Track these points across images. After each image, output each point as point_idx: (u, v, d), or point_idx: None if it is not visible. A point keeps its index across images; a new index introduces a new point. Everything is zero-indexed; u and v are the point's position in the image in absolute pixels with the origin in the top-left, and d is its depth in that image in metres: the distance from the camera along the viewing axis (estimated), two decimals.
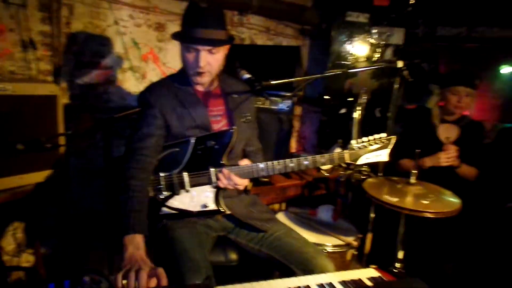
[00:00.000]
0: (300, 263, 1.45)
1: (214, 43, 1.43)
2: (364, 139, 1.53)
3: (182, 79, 1.58)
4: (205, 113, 1.55)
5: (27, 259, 2.26)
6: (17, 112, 1.63)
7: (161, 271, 1.09)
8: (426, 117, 2.43)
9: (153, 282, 1.07)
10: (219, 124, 1.60)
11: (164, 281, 1.06)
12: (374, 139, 1.54)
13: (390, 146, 1.55)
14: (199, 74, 1.48)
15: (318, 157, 1.51)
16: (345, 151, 1.53)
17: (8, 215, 2.09)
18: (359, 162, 1.54)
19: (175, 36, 1.49)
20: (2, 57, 2.00)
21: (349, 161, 1.53)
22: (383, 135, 1.54)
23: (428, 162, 2.24)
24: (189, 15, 1.45)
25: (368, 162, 1.56)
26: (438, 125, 2.38)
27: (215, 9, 1.45)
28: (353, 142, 1.53)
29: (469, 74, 2.33)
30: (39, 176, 1.74)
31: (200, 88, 1.59)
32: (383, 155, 1.55)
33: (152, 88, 1.55)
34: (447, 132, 2.38)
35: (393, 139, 1.55)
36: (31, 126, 1.67)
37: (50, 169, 1.77)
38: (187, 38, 1.43)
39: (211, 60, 1.47)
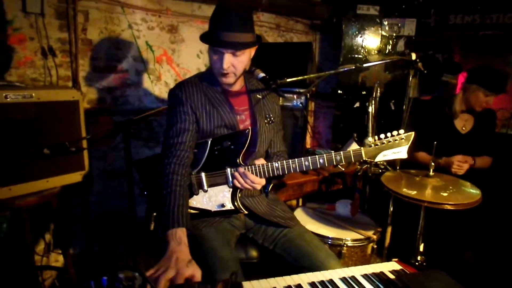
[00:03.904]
0: (310, 268, 1.42)
1: (237, 46, 1.45)
2: (382, 136, 1.49)
3: (209, 78, 1.61)
4: (232, 112, 1.58)
5: (56, 258, 2.35)
6: (42, 118, 1.68)
7: (197, 272, 1.12)
8: (442, 108, 2.41)
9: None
10: (244, 124, 1.62)
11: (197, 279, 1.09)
12: (392, 135, 1.48)
13: (409, 143, 1.48)
14: (224, 75, 1.52)
15: (334, 154, 1.48)
16: (362, 148, 1.48)
17: (37, 216, 2.17)
18: (377, 159, 1.49)
19: (202, 37, 1.52)
20: (24, 65, 2.07)
21: (365, 159, 1.49)
22: (401, 131, 1.48)
23: (442, 162, 2.24)
24: (215, 17, 1.47)
25: (386, 159, 1.50)
26: (459, 114, 2.36)
27: (242, 12, 1.46)
28: (370, 139, 1.49)
29: (504, 81, 2.24)
30: (64, 179, 1.80)
31: (227, 87, 1.61)
32: (402, 152, 1.49)
33: (182, 86, 1.58)
34: (463, 122, 2.36)
35: (411, 135, 1.48)
36: (55, 131, 1.73)
37: (74, 172, 1.83)
38: (212, 40, 1.46)
39: (235, 63, 1.49)
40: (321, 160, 1.49)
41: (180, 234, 1.27)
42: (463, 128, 2.35)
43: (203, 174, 1.53)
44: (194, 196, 1.55)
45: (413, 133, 1.49)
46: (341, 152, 1.48)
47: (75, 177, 1.85)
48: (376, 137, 1.49)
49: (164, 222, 1.31)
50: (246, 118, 1.63)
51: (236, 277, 1.05)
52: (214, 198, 1.55)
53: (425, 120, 2.44)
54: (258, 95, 1.66)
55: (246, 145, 1.53)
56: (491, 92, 2.22)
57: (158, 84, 2.69)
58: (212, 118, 1.55)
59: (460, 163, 2.19)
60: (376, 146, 1.49)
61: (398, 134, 1.48)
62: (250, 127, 1.56)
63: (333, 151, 1.50)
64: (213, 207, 1.55)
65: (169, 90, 1.62)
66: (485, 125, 2.36)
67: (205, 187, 1.54)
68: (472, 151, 2.27)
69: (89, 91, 2.37)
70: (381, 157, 1.49)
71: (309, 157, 1.49)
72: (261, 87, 1.68)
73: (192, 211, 1.55)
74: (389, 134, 1.49)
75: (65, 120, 1.78)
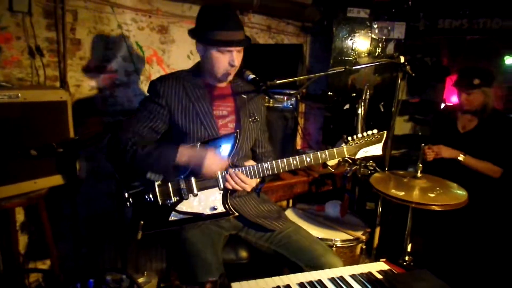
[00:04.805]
0: (309, 261, 1.49)
1: (244, 43, 1.53)
2: (359, 135, 1.63)
3: (193, 75, 1.63)
4: (209, 108, 1.59)
5: (42, 261, 2.30)
6: (29, 119, 1.66)
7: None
8: (448, 111, 2.48)
9: None
10: (225, 120, 1.63)
11: None
12: (367, 135, 1.63)
13: (382, 141, 1.65)
14: (230, 73, 1.56)
15: (319, 153, 1.58)
16: (344, 146, 1.61)
17: (23, 218, 2.13)
18: (358, 156, 1.64)
19: (207, 41, 1.51)
20: (10, 65, 2.04)
21: (348, 156, 1.62)
22: (375, 131, 1.64)
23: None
24: (215, 19, 1.48)
25: (365, 155, 1.66)
26: (460, 114, 2.41)
27: (233, 11, 1.53)
28: (350, 138, 1.64)
29: (470, 77, 2.25)
30: (52, 180, 1.77)
31: (216, 83, 1.64)
32: (377, 149, 1.65)
33: (163, 78, 1.61)
34: (464, 122, 2.40)
35: (384, 134, 1.65)
36: (43, 132, 1.70)
37: (62, 173, 1.81)
38: (223, 42, 1.48)
39: (239, 59, 1.56)
40: (308, 159, 1.56)
41: (182, 150, 1.45)
42: (463, 128, 2.39)
43: (193, 179, 1.52)
44: (184, 201, 1.53)
45: (385, 132, 1.66)
46: (326, 151, 1.59)
47: (63, 178, 1.82)
48: (355, 137, 1.63)
49: (160, 162, 1.45)
50: (228, 115, 1.64)
51: (225, 278, 1.05)
52: (204, 201, 1.54)
53: (435, 126, 2.53)
54: (243, 94, 1.70)
55: (235, 148, 1.54)
56: (461, 89, 2.29)
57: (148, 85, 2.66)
58: (187, 112, 1.56)
59: (427, 151, 2.24)
60: (356, 144, 1.62)
61: (373, 133, 1.64)
62: (238, 130, 1.57)
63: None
64: (205, 211, 1.54)
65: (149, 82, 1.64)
66: (490, 129, 2.29)
67: (195, 191, 1.52)
68: (468, 152, 2.26)
69: (77, 91, 2.33)
70: (362, 154, 1.64)
71: (297, 156, 1.55)
72: (247, 86, 1.72)
73: (181, 216, 1.53)
74: (365, 134, 1.63)
75: (52, 120, 1.76)
